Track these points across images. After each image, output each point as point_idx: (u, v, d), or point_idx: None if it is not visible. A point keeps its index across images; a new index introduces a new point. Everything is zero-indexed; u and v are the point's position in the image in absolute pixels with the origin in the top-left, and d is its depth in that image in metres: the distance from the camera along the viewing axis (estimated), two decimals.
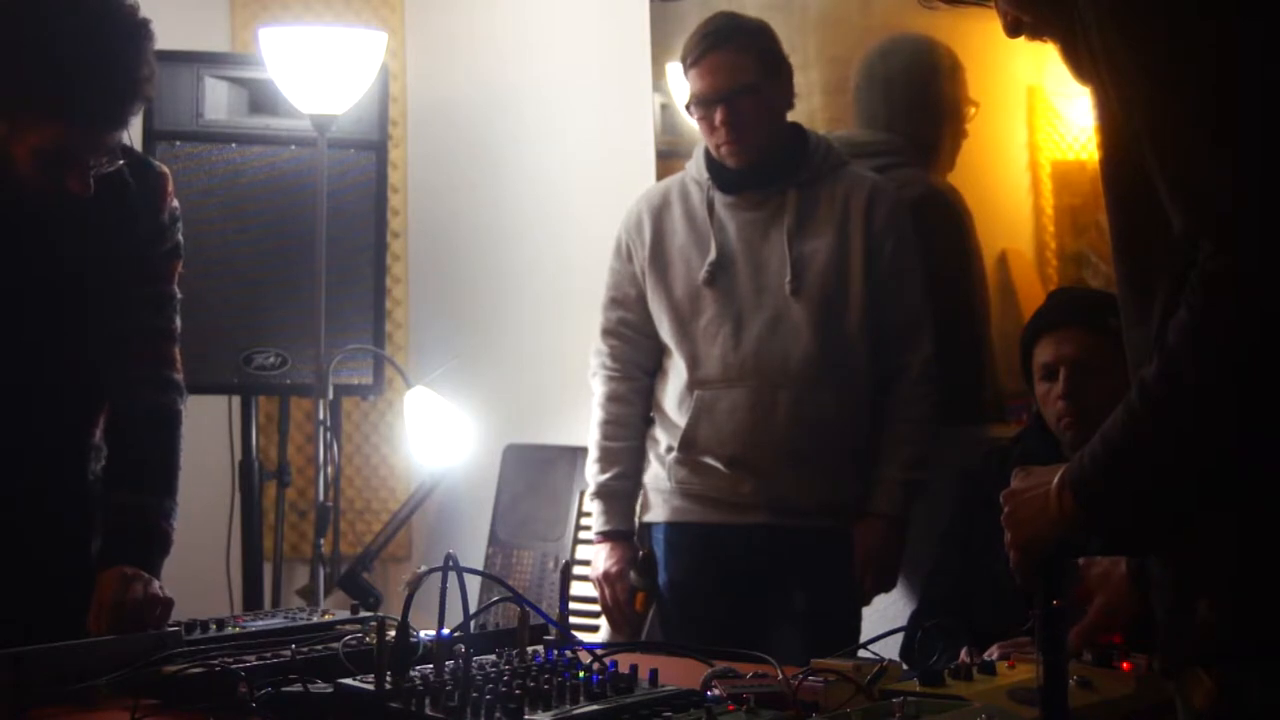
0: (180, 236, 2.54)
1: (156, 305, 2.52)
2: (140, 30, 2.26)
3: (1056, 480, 1.45)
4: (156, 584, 2.32)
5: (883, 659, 1.89)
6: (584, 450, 3.41)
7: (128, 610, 2.25)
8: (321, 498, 3.75)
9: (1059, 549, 1.49)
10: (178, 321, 2.55)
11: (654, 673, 1.80)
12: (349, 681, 1.75)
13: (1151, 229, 1.37)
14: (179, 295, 2.55)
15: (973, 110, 3.35)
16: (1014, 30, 1.58)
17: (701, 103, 3.10)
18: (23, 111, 2.22)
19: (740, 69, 3.07)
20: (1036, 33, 1.56)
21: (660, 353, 3.25)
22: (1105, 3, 1.37)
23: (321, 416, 3.74)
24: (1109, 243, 1.48)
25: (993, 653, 2.12)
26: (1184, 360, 1.31)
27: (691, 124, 3.26)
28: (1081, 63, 1.47)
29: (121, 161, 2.35)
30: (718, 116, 3.08)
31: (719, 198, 3.19)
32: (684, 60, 3.13)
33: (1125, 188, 1.42)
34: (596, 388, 3.31)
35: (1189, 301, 1.31)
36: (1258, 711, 1.35)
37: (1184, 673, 1.40)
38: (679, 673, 1.95)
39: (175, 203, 2.53)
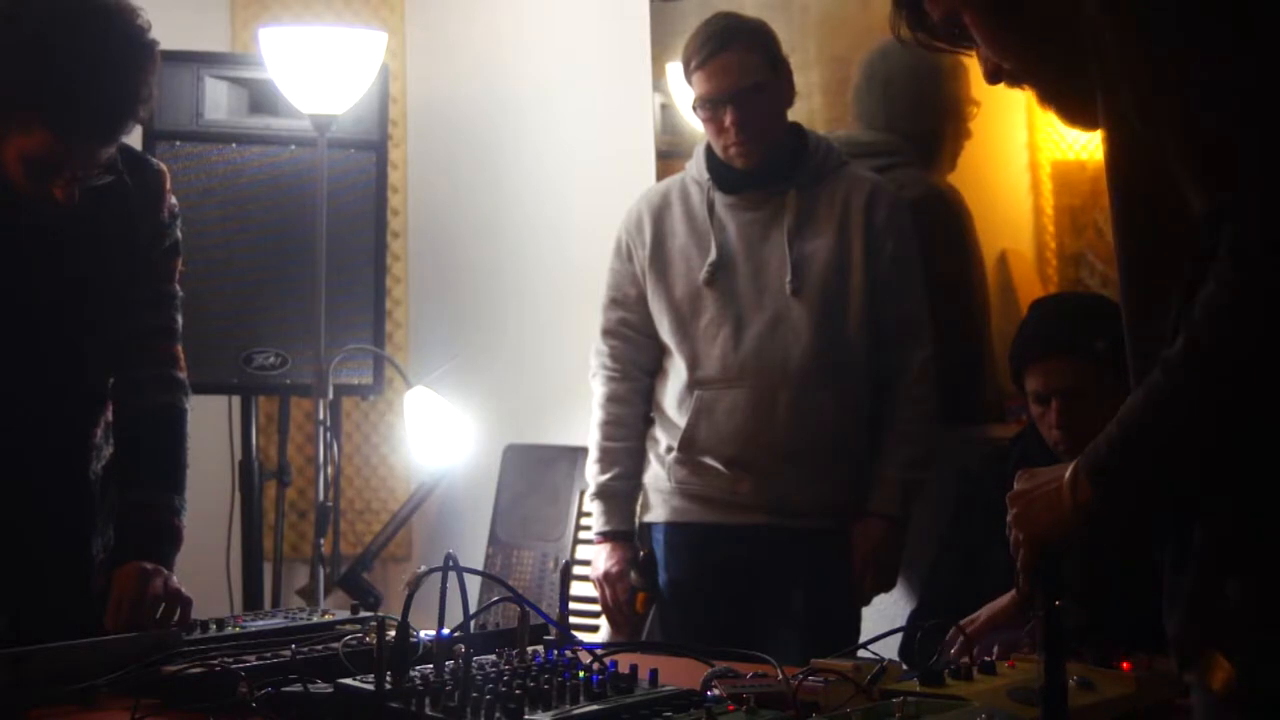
0: (179, 233, 2.55)
1: (158, 305, 2.52)
2: (145, 51, 2.25)
3: (1070, 472, 1.46)
4: (175, 579, 2.34)
5: (883, 659, 1.89)
6: (584, 450, 3.41)
7: (149, 605, 2.26)
8: (321, 498, 3.75)
9: (1063, 545, 1.49)
10: (179, 319, 2.55)
11: (654, 673, 1.80)
12: (349, 681, 1.75)
13: (1165, 225, 1.38)
14: (180, 293, 2.56)
15: (974, 110, 3.35)
16: (994, 78, 1.62)
17: (709, 104, 3.09)
18: (12, 114, 2.22)
19: (747, 69, 3.07)
20: (1016, 80, 1.60)
21: (660, 353, 3.25)
22: (1131, 5, 1.39)
23: (321, 416, 3.74)
24: (1113, 243, 1.48)
25: (993, 653, 2.12)
26: (1217, 332, 1.32)
27: (692, 124, 3.25)
28: (1066, 100, 1.54)
29: (111, 178, 2.34)
30: (727, 118, 3.07)
31: (719, 198, 3.18)
32: (687, 63, 3.12)
33: (1136, 190, 1.43)
34: (596, 388, 3.31)
35: (1220, 276, 1.31)
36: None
37: (1202, 657, 1.40)
38: (679, 673, 1.95)
39: (174, 199, 2.53)
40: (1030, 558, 1.52)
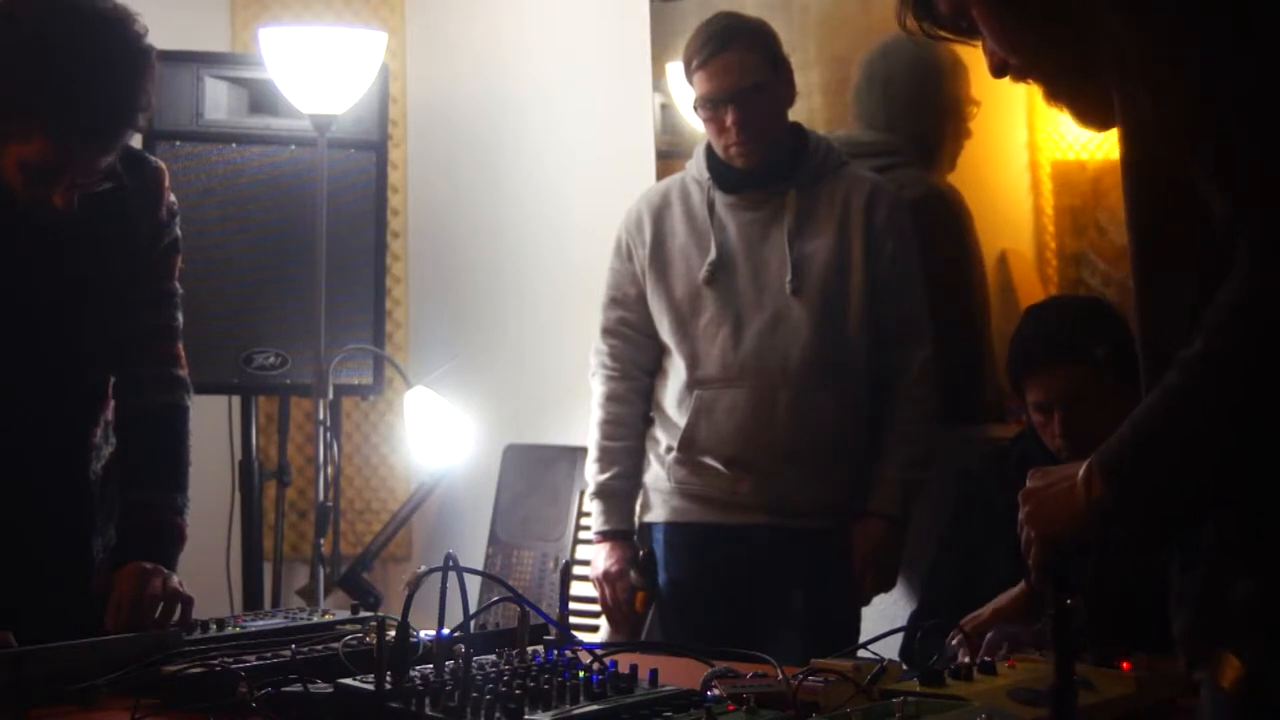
0: (179, 230, 2.55)
1: (158, 304, 2.52)
2: (143, 55, 2.25)
3: (1084, 470, 1.45)
4: (175, 579, 2.33)
5: (883, 659, 1.89)
6: (584, 450, 3.41)
7: (148, 605, 2.26)
8: (321, 498, 3.75)
9: (1075, 543, 1.49)
10: (180, 317, 2.55)
11: (654, 673, 1.80)
12: (349, 681, 1.75)
13: (1179, 224, 1.38)
14: (180, 291, 2.56)
15: (974, 110, 3.34)
16: (1000, 71, 1.61)
17: (710, 103, 3.09)
18: (11, 121, 2.21)
19: (748, 68, 3.07)
20: (1022, 75, 1.60)
21: (660, 352, 3.25)
22: (1141, 6, 1.39)
23: (321, 416, 3.74)
24: (1127, 241, 1.48)
25: (1000, 650, 2.12)
26: (1233, 334, 1.32)
27: (692, 124, 3.25)
28: (1073, 96, 1.54)
29: (111, 184, 2.34)
30: (729, 117, 3.07)
31: (719, 197, 3.18)
32: (688, 63, 3.12)
33: (1151, 190, 1.43)
34: (596, 387, 3.31)
35: (1236, 278, 1.31)
36: None
37: (1212, 655, 1.40)
38: (679, 673, 1.94)
39: (173, 197, 2.53)
40: (1042, 556, 1.52)
